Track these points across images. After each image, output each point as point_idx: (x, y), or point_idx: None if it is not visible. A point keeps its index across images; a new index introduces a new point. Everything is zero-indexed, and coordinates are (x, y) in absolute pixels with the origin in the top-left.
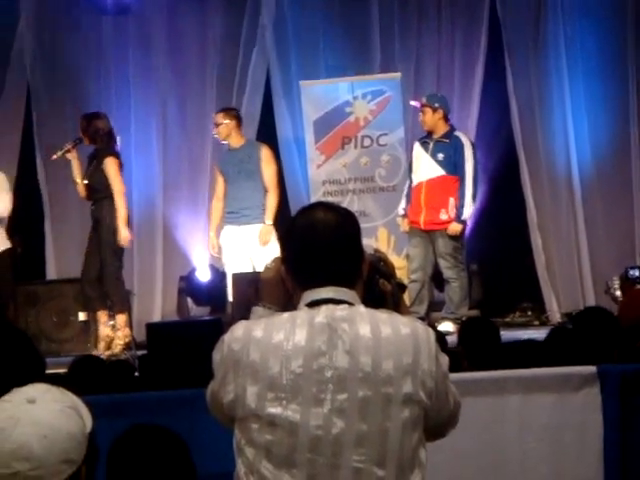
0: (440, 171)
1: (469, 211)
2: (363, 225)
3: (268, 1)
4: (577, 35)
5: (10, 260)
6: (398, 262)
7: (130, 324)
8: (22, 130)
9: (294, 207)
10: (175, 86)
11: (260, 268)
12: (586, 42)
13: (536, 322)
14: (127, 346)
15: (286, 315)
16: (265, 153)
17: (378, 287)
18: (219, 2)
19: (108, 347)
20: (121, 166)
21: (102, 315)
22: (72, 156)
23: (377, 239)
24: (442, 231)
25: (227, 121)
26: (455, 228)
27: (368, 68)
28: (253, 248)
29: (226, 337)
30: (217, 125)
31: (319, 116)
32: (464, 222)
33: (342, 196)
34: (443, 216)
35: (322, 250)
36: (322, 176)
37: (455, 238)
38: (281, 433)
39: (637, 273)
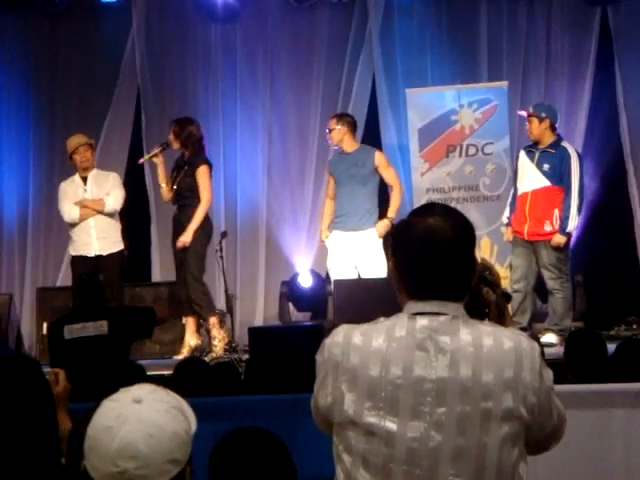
0: (545, 182)
1: (574, 223)
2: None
3: (376, 9)
4: None
5: (120, 262)
6: (501, 272)
7: (232, 328)
8: (131, 133)
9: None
10: (281, 92)
11: (365, 275)
12: None
13: None
14: (228, 346)
15: (387, 322)
16: (380, 158)
17: (482, 296)
18: (326, 10)
19: (191, 353)
20: (211, 175)
21: (189, 320)
22: (159, 160)
23: (480, 248)
24: (546, 242)
25: (340, 126)
26: (559, 240)
27: (475, 77)
28: (359, 255)
29: (327, 341)
30: (330, 130)
31: (424, 124)
32: (569, 234)
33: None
34: (547, 227)
35: (436, 264)
36: (426, 184)
37: (559, 249)
38: (378, 443)
39: None
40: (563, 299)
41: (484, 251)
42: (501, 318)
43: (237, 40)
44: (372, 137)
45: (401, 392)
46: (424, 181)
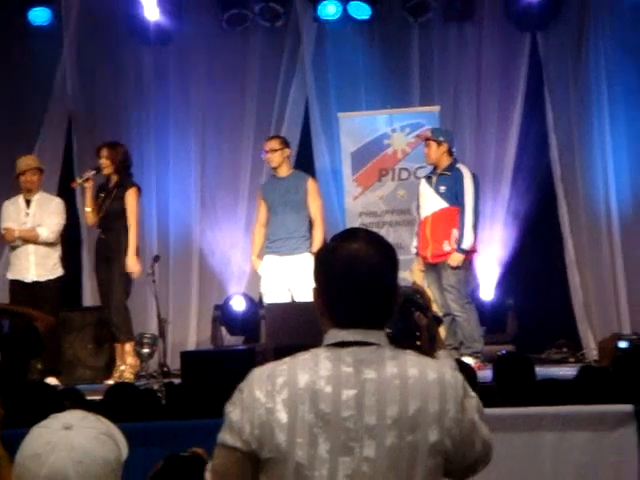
0: (443, 203)
1: (469, 241)
2: (399, 257)
3: (308, 34)
4: (618, 72)
5: (57, 289)
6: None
7: (164, 352)
8: (62, 158)
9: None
10: (214, 117)
11: (298, 299)
12: (627, 79)
13: (571, 359)
14: (136, 376)
15: (308, 356)
16: (312, 186)
17: (413, 320)
18: (259, 34)
19: (120, 377)
20: (139, 199)
21: (120, 345)
22: (90, 185)
23: (412, 272)
24: (446, 263)
25: (282, 148)
26: (456, 258)
27: (407, 101)
28: (293, 279)
29: (246, 387)
30: (272, 151)
31: (357, 148)
32: (465, 252)
33: (378, 228)
34: (446, 247)
35: (360, 290)
36: (358, 208)
37: (458, 269)
38: None
39: None
40: (466, 321)
41: (416, 274)
42: (433, 341)
43: (170, 63)
44: (305, 161)
45: (331, 429)
46: (357, 205)
